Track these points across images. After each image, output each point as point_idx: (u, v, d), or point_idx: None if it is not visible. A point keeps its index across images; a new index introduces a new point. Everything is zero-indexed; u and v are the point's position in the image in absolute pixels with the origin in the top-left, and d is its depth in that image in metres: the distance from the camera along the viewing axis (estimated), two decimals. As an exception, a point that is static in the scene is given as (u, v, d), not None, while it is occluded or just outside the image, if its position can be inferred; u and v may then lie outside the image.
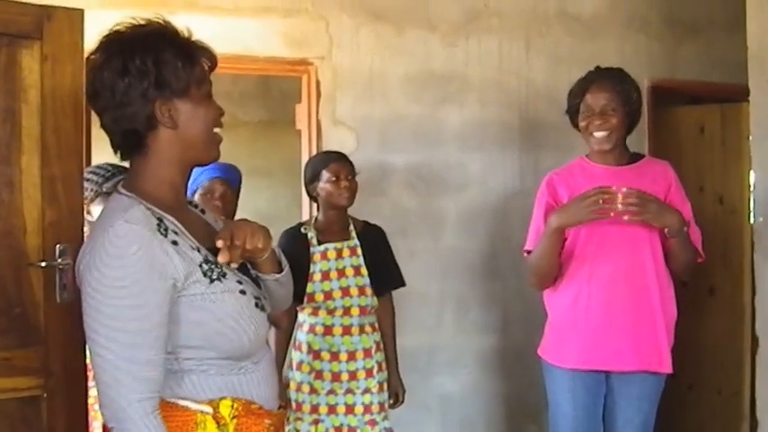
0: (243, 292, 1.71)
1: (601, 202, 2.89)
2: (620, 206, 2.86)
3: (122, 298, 1.54)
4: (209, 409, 1.64)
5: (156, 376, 1.57)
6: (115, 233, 1.56)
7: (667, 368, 3.08)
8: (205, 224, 1.84)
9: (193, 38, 1.73)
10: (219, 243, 1.64)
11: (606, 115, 3.08)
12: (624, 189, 2.88)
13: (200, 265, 1.64)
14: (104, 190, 2.91)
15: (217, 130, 1.76)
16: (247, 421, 1.67)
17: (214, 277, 1.65)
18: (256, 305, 1.73)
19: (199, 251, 1.67)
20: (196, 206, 1.90)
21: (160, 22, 1.70)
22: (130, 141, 1.70)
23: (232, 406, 1.66)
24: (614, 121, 3.08)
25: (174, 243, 1.62)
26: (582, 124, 3.13)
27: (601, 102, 3.09)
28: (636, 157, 3.23)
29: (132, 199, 1.66)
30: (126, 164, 1.79)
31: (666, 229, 2.96)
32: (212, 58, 1.76)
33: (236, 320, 1.66)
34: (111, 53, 1.66)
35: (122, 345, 1.55)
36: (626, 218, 2.89)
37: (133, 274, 1.55)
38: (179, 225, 1.68)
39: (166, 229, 1.63)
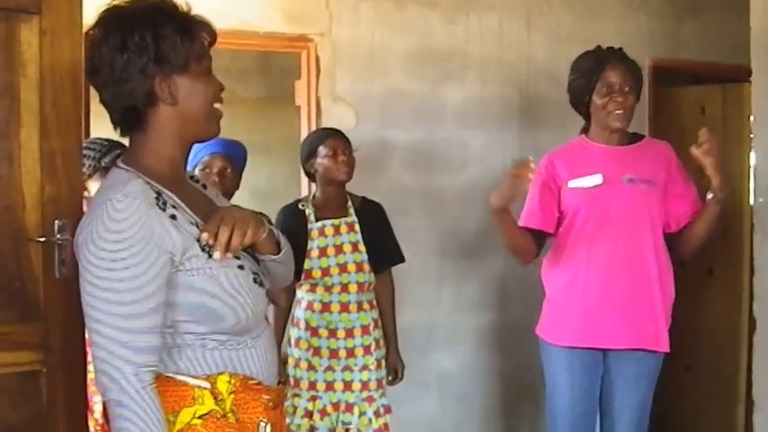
0: (241, 267, 1.70)
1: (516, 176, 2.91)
2: (530, 175, 2.91)
3: (120, 270, 1.54)
4: (206, 385, 1.64)
5: (152, 349, 1.58)
6: (113, 206, 1.56)
7: (664, 347, 3.10)
8: (206, 199, 1.84)
9: (192, 12, 1.72)
10: (204, 237, 1.63)
11: (624, 93, 3.07)
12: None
13: (198, 240, 1.64)
14: (103, 165, 2.90)
15: (217, 105, 1.75)
16: (245, 396, 1.67)
17: (212, 252, 1.64)
18: (254, 280, 1.73)
19: (197, 226, 1.66)
20: (197, 181, 1.90)
21: None
22: (130, 117, 1.69)
23: (229, 381, 1.65)
24: (631, 99, 3.09)
25: (173, 217, 1.62)
26: (600, 101, 3.10)
27: (620, 79, 3.08)
28: (635, 137, 3.23)
29: (131, 173, 1.65)
30: (123, 139, 1.78)
31: (718, 188, 2.95)
32: (212, 33, 1.74)
33: (233, 295, 1.65)
34: (109, 29, 1.65)
35: (119, 317, 1.55)
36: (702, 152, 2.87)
37: (131, 247, 1.54)
38: (177, 200, 1.67)
39: (165, 203, 1.62)
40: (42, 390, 2.38)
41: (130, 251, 1.54)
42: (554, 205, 3.15)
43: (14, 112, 2.32)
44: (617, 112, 3.09)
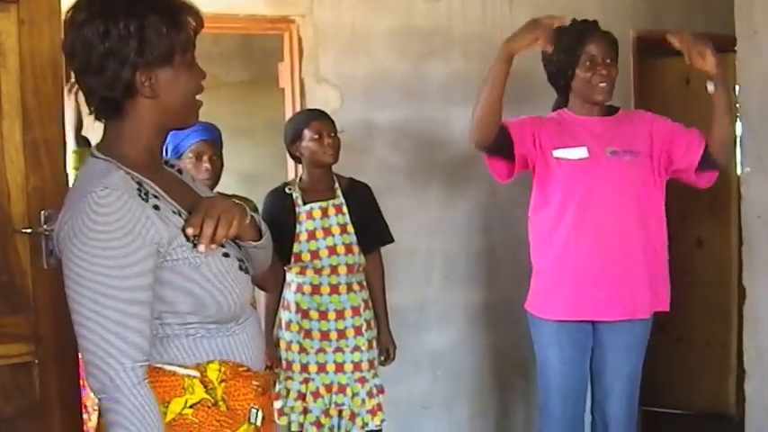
0: (226, 254, 1.68)
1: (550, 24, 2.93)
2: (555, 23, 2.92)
3: (106, 266, 1.51)
4: (196, 374, 1.63)
5: (143, 343, 1.55)
6: (95, 200, 1.52)
7: (649, 313, 3.13)
8: (184, 185, 1.80)
9: None
10: (190, 231, 1.60)
11: (607, 65, 3.09)
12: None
13: (183, 230, 1.61)
14: None
15: (201, 97, 1.71)
16: (236, 384, 1.66)
17: (197, 242, 1.61)
18: (240, 267, 1.71)
19: (180, 215, 1.64)
20: (172, 166, 1.85)
21: None
22: (107, 106, 1.65)
23: (219, 369, 1.64)
24: (614, 71, 3.11)
25: (156, 207, 1.59)
26: (584, 75, 3.09)
27: (602, 52, 3.09)
28: (612, 110, 3.24)
29: (110, 163, 1.61)
30: (96, 125, 1.74)
31: (712, 73, 2.97)
32: (199, 19, 1.69)
33: (221, 283, 1.63)
34: (92, 13, 1.58)
35: (108, 312, 1.52)
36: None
37: (116, 240, 1.51)
38: (158, 189, 1.64)
39: (147, 194, 1.59)
40: (35, 381, 2.38)
41: (116, 244, 1.51)
42: (528, 138, 3.14)
43: (-5, 103, 2.30)
44: (601, 84, 3.10)
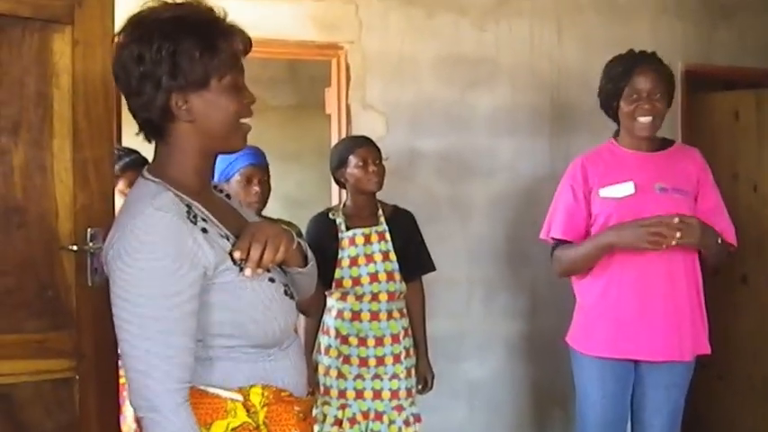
0: (272, 279, 1.68)
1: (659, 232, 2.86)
2: (673, 242, 2.85)
3: (154, 287, 1.52)
4: (239, 397, 1.63)
5: (188, 364, 1.56)
6: (144, 221, 1.53)
7: (697, 352, 3.08)
8: (232, 210, 1.81)
9: (226, 20, 1.65)
10: (237, 255, 1.61)
11: (653, 100, 3.03)
12: (676, 219, 2.85)
13: (230, 254, 1.62)
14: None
15: (246, 121, 1.69)
16: (278, 409, 1.66)
17: (244, 265, 1.62)
18: (285, 293, 1.71)
19: (227, 239, 1.65)
20: (221, 191, 1.87)
21: (192, 3, 1.63)
22: (149, 129, 1.66)
23: (262, 394, 1.64)
24: (659, 106, 3.04)
25: (204, 231, 1.59)
26: (627, 109, 3.05)
27: (649, 85, 3.03)
28: (666, 143, 3.19)
29: (159, 185, 1.62)
30: (147, 146, 1.75)
31: (704, 250, 2.99)
32: (244, 42, 1.68)
33: (266, 308, 1.64)
34: (131, 37, 1.60)
35: (155, 333, 1.53)
36: (674, 242, 2.86)
37: (163, 261, 1.52)
38: (207, 212, 1.65)
39: (195, 217, 1.60)
40: (75, 397, 2.40)
41: (163, 264, 1.52)
42: (586, 215, 3.13)
43: (47, 122, 2.35)
44: (643, 119, 3.04)
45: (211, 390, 1.63)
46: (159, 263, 1.52)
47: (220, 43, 1.61)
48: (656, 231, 2.85)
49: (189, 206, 1.61)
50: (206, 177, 1.73)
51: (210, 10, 1.64)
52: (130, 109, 1.66)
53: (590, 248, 3.04)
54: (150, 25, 1.60)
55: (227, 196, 1.87)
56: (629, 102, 3.05)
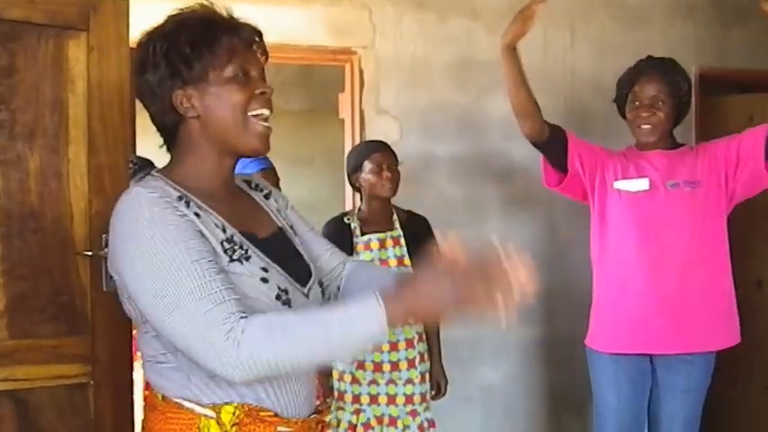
0: (264, 279, 1.55)
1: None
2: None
3: (171, 242, 1.45)
4: (212, 414, 1.53)
5: (234, 297, 1.46)
6: (130, 195, 1.50)
7: (714, 346, 3.08)
8: (260, 211, 1.73)
9: (228, 16, 1.61)
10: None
11: (654, 108, 3.07)
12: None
13: (222, 243, 1.53)
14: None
15: (257, 112, 1.60)
16: (254, 428, 1.54)
17: (235, 257, 1.53)
18: (278, 297, 1.56)
19: (224, 231, 1.56)
20: (261, 189, 1.79)
21: (196, 8, 1.60)
22: (164, 134, 1.64)
23: (234, 413, 1.53)
24: (661, 114, 3.08)
25: (197, 215, 1.53)
26: (630, 115, 3.13)
27: (649, 93, 3.07)
28: (679, 146, 3.22)
29: (158, 178, 1.58)
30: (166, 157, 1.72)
31: None
32: (250, 31, 1.62)
33: (247, 308, 1.48)
34: (138, 43, 1.60)
35: (188, 285, 1.43)
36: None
37: (158, 220, 1.46)
38: (204, 204, 1.57)
39: (188, 203, 1.54)
40: (90, 401, 2.41)
41: (160, 223, 1.46)
42: (587, 162, 3.16)
43: (63, 127, 2.36)
44: (643, 126, 3.10)
45: (187, 404, 1.54)
46: (154, 223, 1.46)
47: (218, 35, 1.57)
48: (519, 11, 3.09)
49: (183, 196, 1.55)
50: (223, 180, 1.65)
51: (212, 9, 1.61)
52: (153, 121, 1.64)
53: (503, 65, 3.13)
54: (150, 33, 1.59)
55: (267, 196, 1.79)
56: (631, 109, 3.12)
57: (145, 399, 1.63)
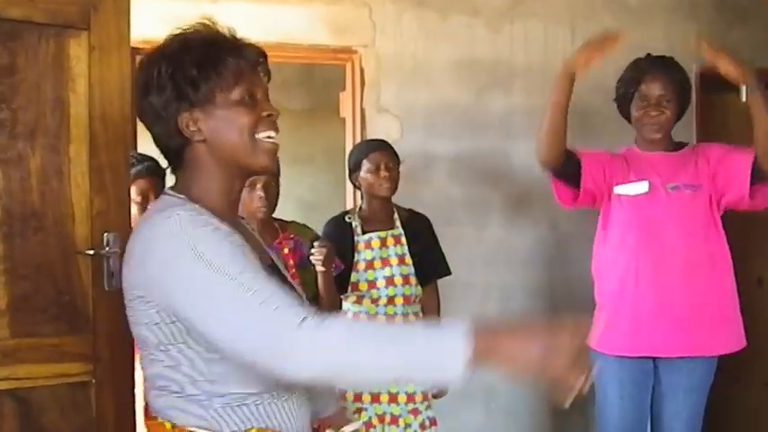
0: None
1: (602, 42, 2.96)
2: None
3: (226, 255, 1.45)
4: None
5: (293, 302, 1.44)
6: (182, 216, 1.48)
7: (717, 350, 3.07)
8: (256, 240, 1.74)
9: (232, 36, 1.60)
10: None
11: (661, 106, 3.08)
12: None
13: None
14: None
15: (263, 135, 1.59)
16: None
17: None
18: None
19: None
20: (248, 223, 1.81)
21: (198, 28, 1.58)
22: (170, 157, 1.62)
23: None
24: (668, 112, 3.09)
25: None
26: (636, 114, 3.13)
27: (657, 92, 3.08)
28: (680, 146, 3.22)
29: (183, 200, 1.57)
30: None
31: (742, 79, 2.98)
32: (256, 53, 1.61)
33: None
34: (141, 64, 1.59)
35: (252, 292, 1.42)
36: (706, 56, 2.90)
37: (211, 238, 1.46)
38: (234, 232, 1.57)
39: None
40: (91, 400, 2.41)
41: (221, 236, 1.47)
42: (600, 174, 3.15)
43: (64, 126, 2.36)
44: (651, 125, 3.10)
45: None
46: (216, 234, 1.47)
47: (223, 57, 1.56)
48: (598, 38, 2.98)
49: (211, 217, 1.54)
50: (233, 201, 1.65)
51: (215, 29, 1.59)
52: (155, 143, 1.62)
53: (554, 88, 3.05)
54: (152, 54, 1.58)
55: (253, 229, 1.81)
56: (639, 107, 3.12)
57: (148, 428, 1.61)
